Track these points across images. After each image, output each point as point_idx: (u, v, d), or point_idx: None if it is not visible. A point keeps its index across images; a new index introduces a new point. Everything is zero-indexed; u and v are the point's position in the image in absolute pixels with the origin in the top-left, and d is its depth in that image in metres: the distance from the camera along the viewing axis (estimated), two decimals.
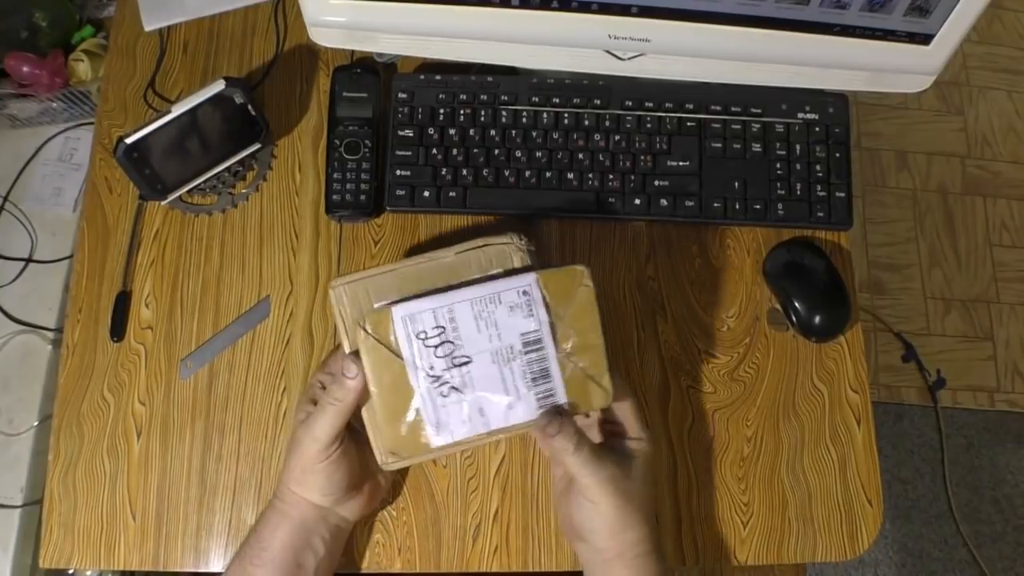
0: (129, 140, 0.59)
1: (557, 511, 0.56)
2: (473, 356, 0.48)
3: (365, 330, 0.48)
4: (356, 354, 0.49)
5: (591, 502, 0.49)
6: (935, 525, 1.45)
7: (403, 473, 0.61)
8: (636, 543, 0.50)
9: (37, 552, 0.60)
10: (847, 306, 0.64)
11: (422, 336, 0.48)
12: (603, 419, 0.55)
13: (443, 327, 0.48)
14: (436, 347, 0.48)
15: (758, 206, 0.66)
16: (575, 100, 0.66)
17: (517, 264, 0.51)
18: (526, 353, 0.48)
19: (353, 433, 0.52)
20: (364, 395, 0.50)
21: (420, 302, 0.48)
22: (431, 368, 0.48)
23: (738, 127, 0.67)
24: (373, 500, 0.56)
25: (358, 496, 0.54)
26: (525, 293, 0.48)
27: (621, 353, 0.64)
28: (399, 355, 0.48)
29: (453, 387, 0.48)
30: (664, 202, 0.66)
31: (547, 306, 0.48)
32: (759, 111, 0.67)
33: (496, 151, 0.65)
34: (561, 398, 0.49)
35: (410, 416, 0.48)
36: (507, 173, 0.65)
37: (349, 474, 0.52)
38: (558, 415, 0.48)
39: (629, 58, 0.61)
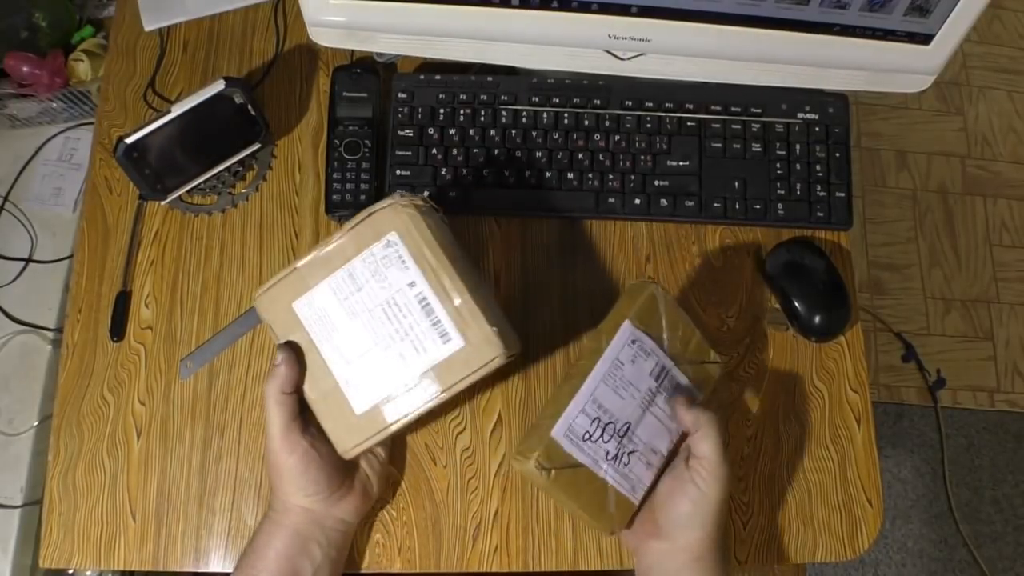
0: (129, 140, 0.59)
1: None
2: (630, 420, 0.52)
3: (543, 466, 0.50)
4: (287, 345, 0.51)
5: (700, 489, 0.50)
6: (935, 525, 1.45)
7: (403, 473, 0.61)
8: (717, 546, 0.51)
9: (37, 552, 0.60)
10: (847, 306, 0.64)
11: (587, 437, 0.51)
12: None
13: (597, 417, 0.51)
14: (602, 436, 0.52)
15: (758, 206, 0.66)
16: (575, 100, 0.66)
17: (412, 226, 0.49)
18: (660, 384, 0.54)
19: (322, 431, 0.52)
20: (300, 381, 0.51)
21: (568, 412, 0.51)
22: (607, 454, 0.52)
23: (738, 127, 0.67)
24: (367, 498, 0.56)
25: (349, 495, 0.54)
26: (634, 342, 0.53)
27: None
28: (581, 465, 0.51)
29: (630, 452, 0.52)
30: (664, 202, 0.66)
31: (653, 338, 0.54)
32: (759, 111, 0.67)
33: (496, 151, 0.65)
34: (697, 393, 0.55)
35: (612, 500, 0.52)
36: (507, 173, 0.65)
37: (326, 469, 0.51)
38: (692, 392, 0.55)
39: (629, 58, 0.61)
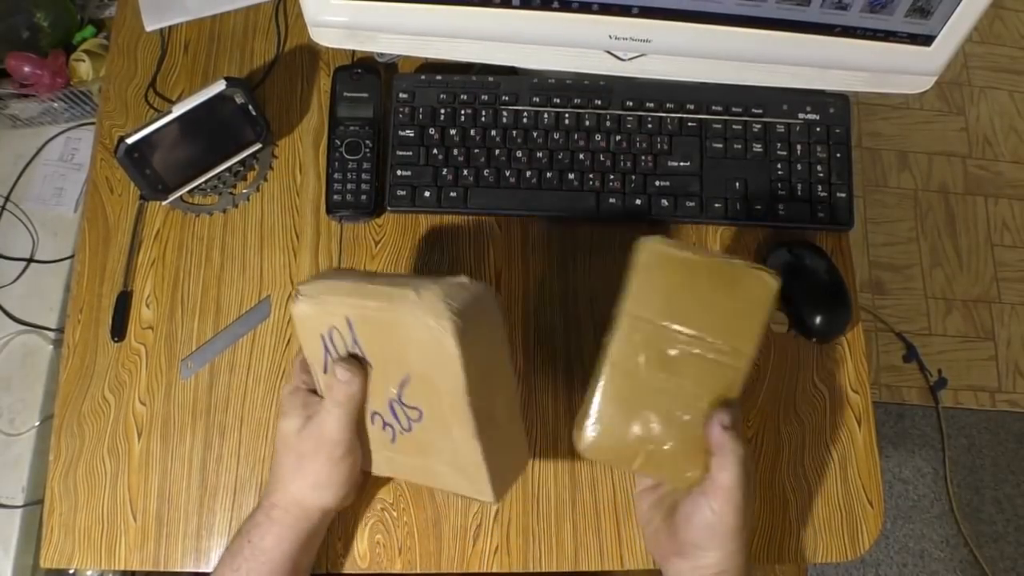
0: (130, 140, 0.59)
1: (648, 526, 0.54)
2: None
3: None
4: (352, 358, 0.48)
5: (716, 514, 0.48)
6: (936, 525, 1.45)
7: None
8: (739, 564, 0.49)
9: (38, 552, 0.60)
10: (848, 306, 0.64)
11: None
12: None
13: None
14: None
15: (759, 206, 0.66)
16: (576, 100, 0.66)
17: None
18: None
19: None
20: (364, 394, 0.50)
21: None
22: None
23: (739, 127, 0.67)
24: (360, 491, 0.58)
25: (354, 489, 0.55)
26: None
27: None
28: None
29: None
30: (665, 202, 0.65)
31: None
32: (760, 111, 0.67)
33: (497, 151, 0.65)
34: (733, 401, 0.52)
35: None
36: (508, 173, 0.65)
37: (357, 469, 0.52)
38: (734, 410, 0.49)
39: (630, 58, 0.61)
